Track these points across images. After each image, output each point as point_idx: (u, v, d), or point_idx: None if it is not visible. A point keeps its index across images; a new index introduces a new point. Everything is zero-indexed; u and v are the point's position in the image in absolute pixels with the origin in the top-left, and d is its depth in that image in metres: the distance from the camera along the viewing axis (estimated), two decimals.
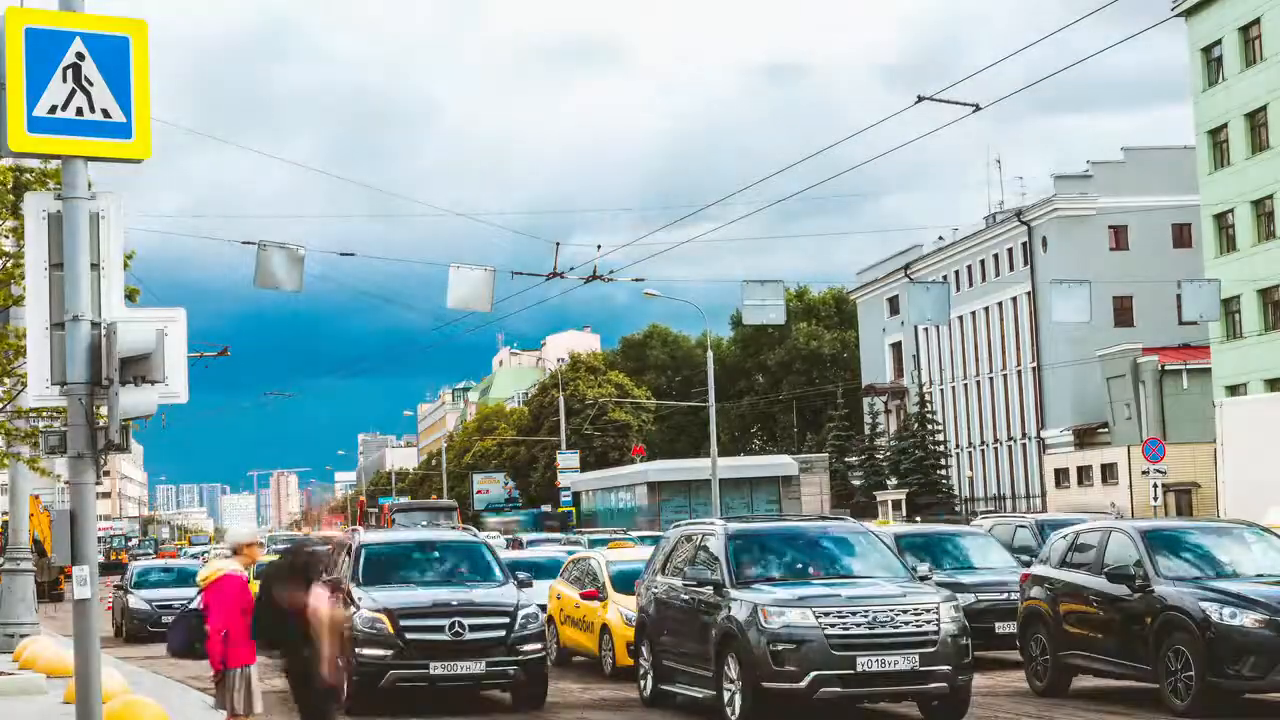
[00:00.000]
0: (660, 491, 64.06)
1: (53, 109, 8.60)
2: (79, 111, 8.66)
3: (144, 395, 8.74)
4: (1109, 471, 64.20)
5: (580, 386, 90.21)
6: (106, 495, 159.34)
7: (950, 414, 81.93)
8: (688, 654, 14.35)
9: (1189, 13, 57.12)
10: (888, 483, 75.69)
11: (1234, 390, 57.09)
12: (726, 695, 13.27)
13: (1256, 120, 54.28)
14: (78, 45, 8.67)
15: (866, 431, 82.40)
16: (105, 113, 8.72)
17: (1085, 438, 69.79)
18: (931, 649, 12.82)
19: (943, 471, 77.41)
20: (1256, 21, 53.74)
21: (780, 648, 12.67)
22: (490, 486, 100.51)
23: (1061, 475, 68.99)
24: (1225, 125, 55.83)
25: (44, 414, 17.31)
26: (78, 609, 8.75)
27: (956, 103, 20.10)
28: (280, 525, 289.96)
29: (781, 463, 66.49)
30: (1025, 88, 20.06)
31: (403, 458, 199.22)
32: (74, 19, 8.73)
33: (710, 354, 51.99)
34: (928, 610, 12.98)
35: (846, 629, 12.72)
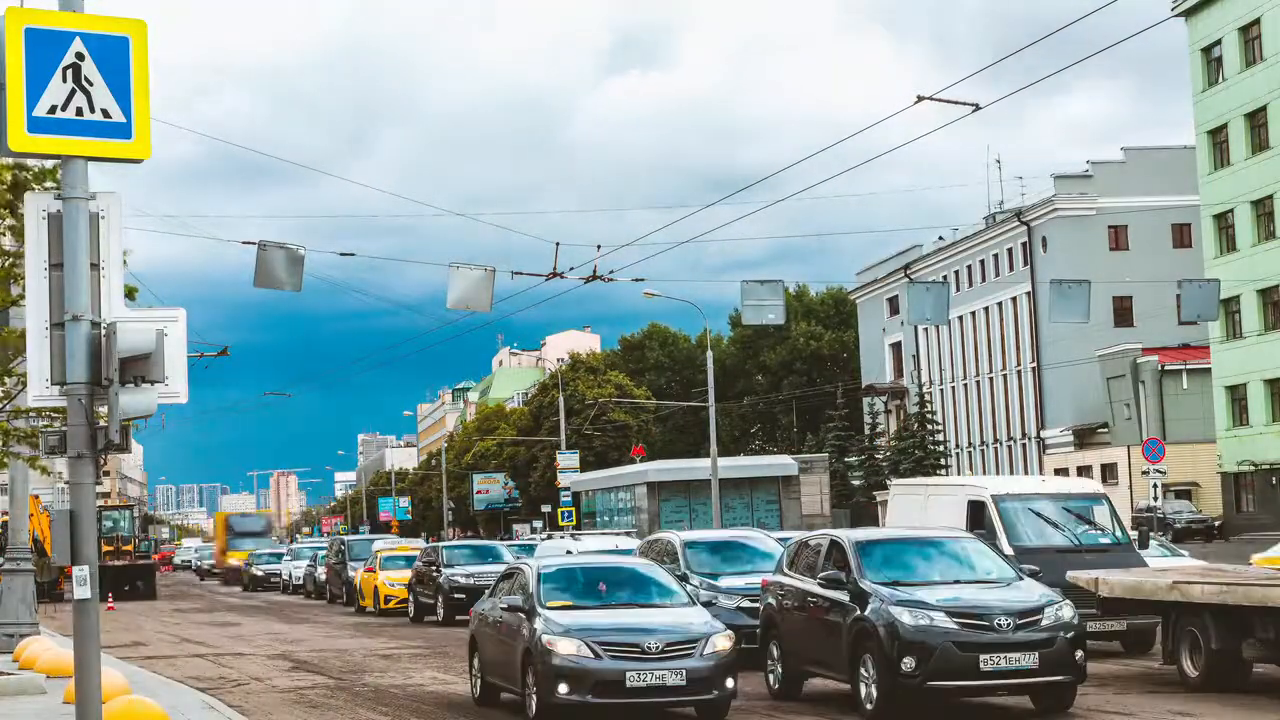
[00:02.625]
0: (660, 491, 63.96)
1: (53, 109, 8.59)
2: (79, 111, 8.66)
3: (144, 395, 8.74)
4: (1109, 471, 64.26)
5: (580, 386, 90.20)
6: (106, 495, 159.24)
7: (950, 414, 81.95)
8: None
9: (1189, 13, 57.14)
10: (887, 483, 75.60)
11: (1234, 390, 57.10)
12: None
13: (1256, 120, 54.30)
14: (77, 45, 8.66)
15: (866, 431, 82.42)
16: (105, 113, 8.72)
17: (1085, 438, 69.84)
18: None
19: (943, 471, 77.38)
20: (1256, 22, 53.76)
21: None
22: (490, 487, 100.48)
23: (1061, 475, 69.03)
24: (1225, 125, 55.85)
25: (44, 414, 17.31)
26: (78, 609, 8.74)
27: (957, 102, 20.10)
28: (280, 525, 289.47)
29: (781, 463, 66.33)
30: (1025, 87, 20.07)
31: (403, 458, 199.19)
32: (74, 19, 8.73)
33: (710, 354, 51.98)
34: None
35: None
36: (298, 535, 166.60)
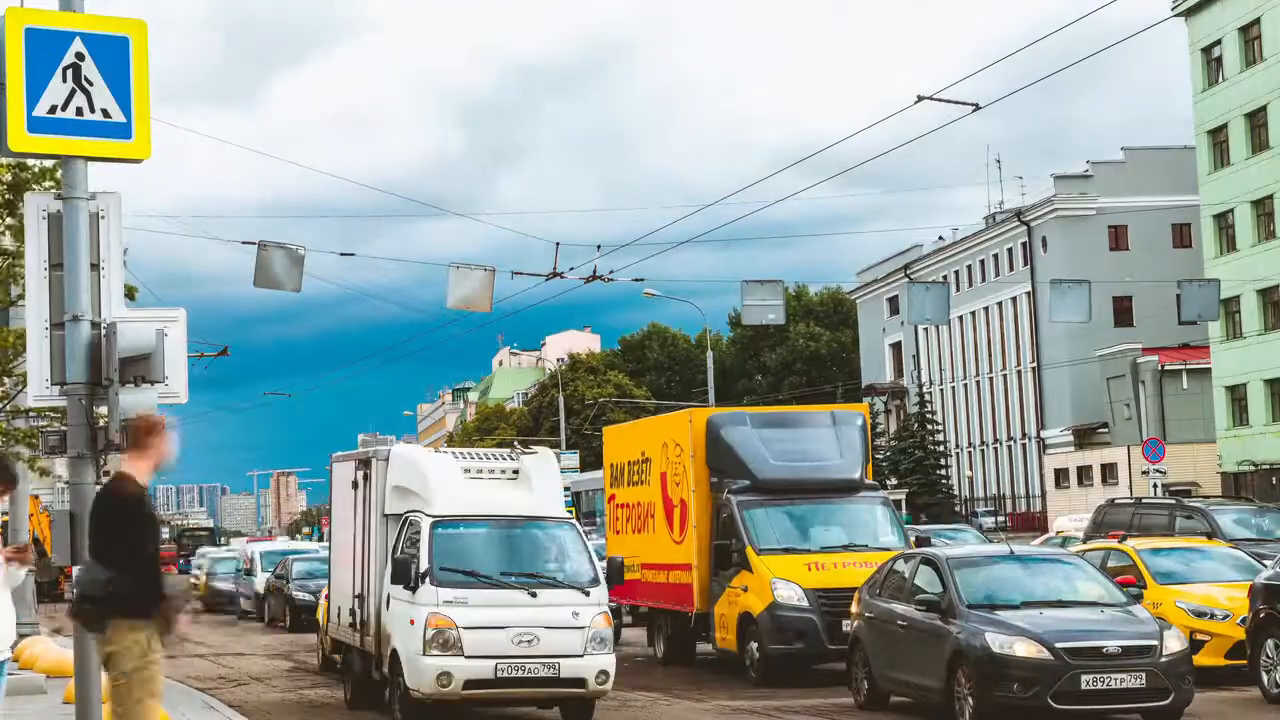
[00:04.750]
0: None
1: (53, 109, 8.59)
2: (79, 111, 8.65)
3: (144, 395, 8.74)
4: (1109, 471, 64.27)
5: (580, 387, 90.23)
6: None
7: (950, 414, 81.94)
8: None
9: (1189, 13, 57.14)
10: (888, 483, 75.71)
11: (1234, 390, 57.12)
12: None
13: (1256, 120, 54.32)
14: (78, 45, 8.66)
15: None
16: (105, 113, 8.71)
17: (1085, 438, 69.83)
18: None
19: (942, 471, 77.42)
20: (1256, 21, 53.78)
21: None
22: None
23: (1061, 475, 69.03)
24: (1225, 125, 55.86)
25: (44, 414, 17.31)
26: None
27: (956, 102, 20.09)
28: (280, 525, 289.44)
29: None
30: (1025, 87, 20.07)
31: None
32: (74, 19, 8.72)
33: (710, 354, 52.02)
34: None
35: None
36: (298, 535, 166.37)
